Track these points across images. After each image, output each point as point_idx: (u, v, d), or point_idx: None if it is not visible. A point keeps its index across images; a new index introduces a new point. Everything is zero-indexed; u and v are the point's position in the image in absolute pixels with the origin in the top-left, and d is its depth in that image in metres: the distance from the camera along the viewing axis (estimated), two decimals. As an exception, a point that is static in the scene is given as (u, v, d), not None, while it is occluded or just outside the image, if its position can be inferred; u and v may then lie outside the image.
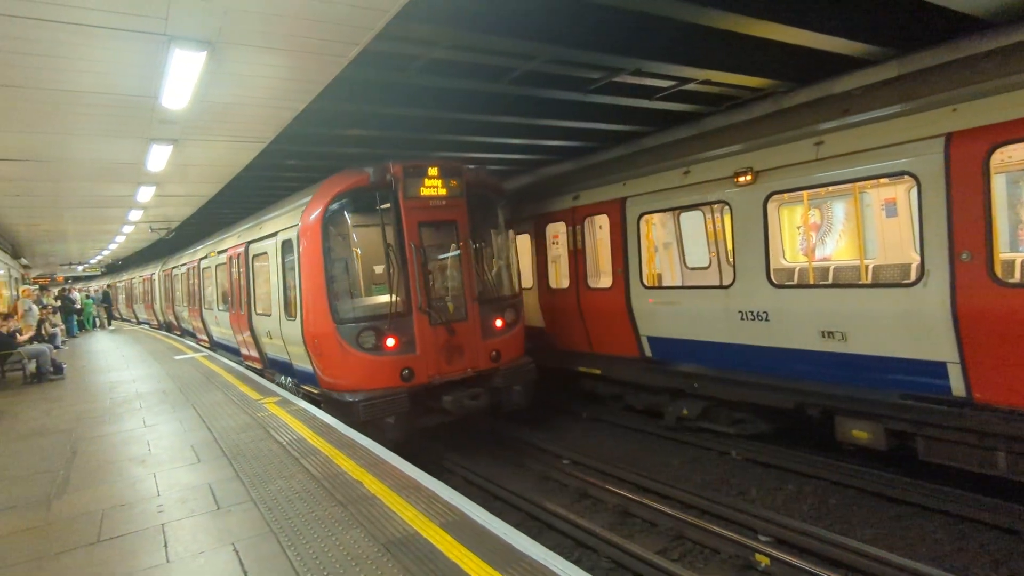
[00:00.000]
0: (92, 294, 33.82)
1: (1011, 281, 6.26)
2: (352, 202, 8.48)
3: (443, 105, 8.73)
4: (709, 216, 10.27)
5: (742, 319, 7.65)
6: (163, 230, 18.18)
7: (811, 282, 8.54)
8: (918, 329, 6.01)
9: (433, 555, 3.88)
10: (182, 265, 19.76)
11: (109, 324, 30.47)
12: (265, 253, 10.61)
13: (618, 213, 9.40)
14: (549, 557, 3.78)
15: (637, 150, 10.84)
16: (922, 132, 5.89)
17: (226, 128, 7.73)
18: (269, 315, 10.40)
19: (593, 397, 11.04)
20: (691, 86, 8.54)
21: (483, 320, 8.91)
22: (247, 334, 12.10)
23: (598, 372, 10.32)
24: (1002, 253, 5.69)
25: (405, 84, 7.88)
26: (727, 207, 7.99)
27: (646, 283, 9.14)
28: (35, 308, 18.37)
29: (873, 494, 6.90)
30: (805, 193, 8.24)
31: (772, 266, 7.46)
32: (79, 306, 26.36)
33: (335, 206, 8.39)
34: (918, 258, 6.15)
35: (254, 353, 12.17)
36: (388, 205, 8.40)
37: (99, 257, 29.79)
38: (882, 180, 7.75)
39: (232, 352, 14.37)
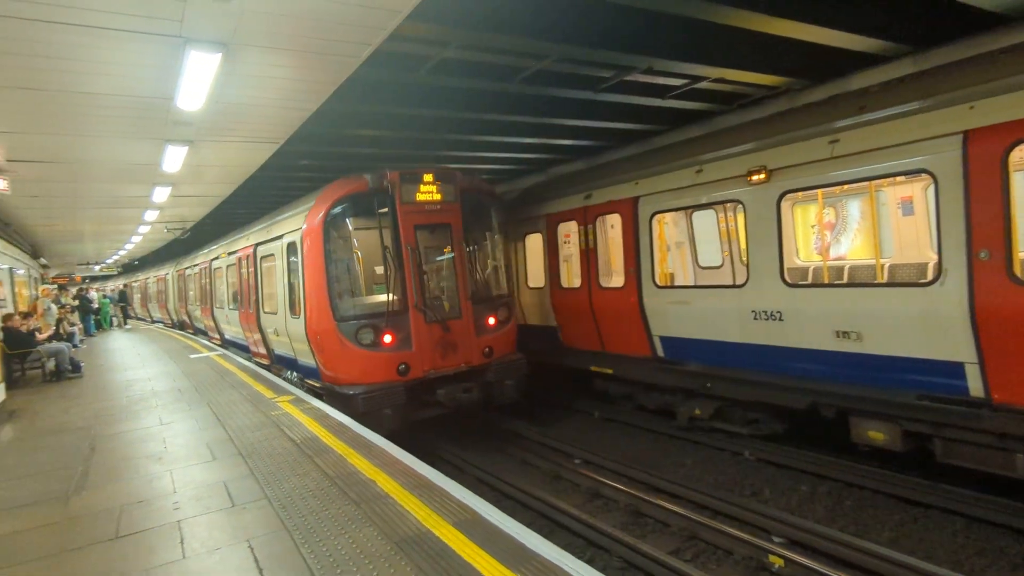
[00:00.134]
0: (109, 293, 34.22)
1: (1031, 280, 6.15)
2: (352, 207, 8.96)
3: (454, 105, 8.76)
4: (722, 215, 10.20)
5: (755, 319, 7.59)
6: (178, 230, 18.40)
7: (826, 281, 8.46)
8: (935, 329, 5.93)
9: (445, 553, 3.90)
10: (194, 266, 20.28)
11: (125, 323, 30.85)
12: (272, 255, 11.09)
13: (630, 212, 9.36)
14: (561, 556, 3.78)
15: (649, 149, 10.80)
16: (939, 129, 5.81)
17: (240, 129, 7.80)
18: (275, 313, 10.90)
19: (605, 397, 11.01)
20: (704, 84, 8.49)
21: (476, 318, 9.38)
22: (255, 331, 12.63)
23: (610, 371, 10.30)
24: (1021, 252, 5.59)
25: (416, 84, 7.91)
26: (740, 206, 7.94)
27: (658, 282, 9.11)
28: (54, 307, 18.66)
29: (889, 496, 6.83)
30: (820, 191, 8.16)
31: (786, 265, 7.40)
32: (96, 305, 26.71)
33: (335, 210, 8.85)
34: (935, 257, 6.08)
35: (262, 350, 12.70)
36: (386, 209, 8.86)
37: (115, 257, 30.20)
38: (898, 178, 7.66)
39: (242, 349, 14.92)
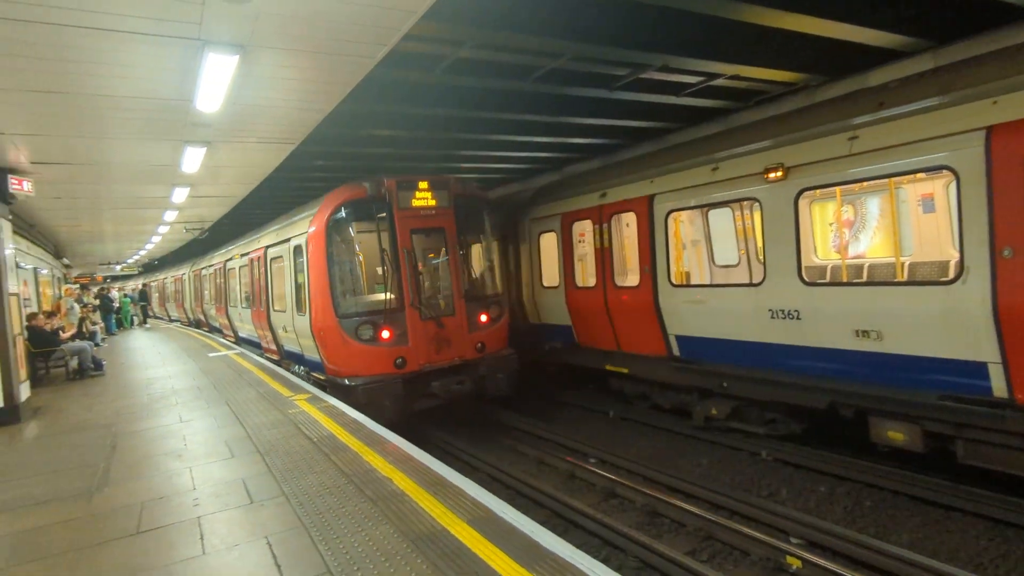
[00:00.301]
0: (129, 293, 34.74)
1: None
2: (352, 212, 9.58)
3: (469, 104, 8.78)
4: (738, 213, 10.10)
5: (772, 317, 7.51)
6: (197, 230, 18.64)
7: (844, 280, 8.35)
8: (957, 328, 5.83)
9: (460, 551, 3.91)
10: (210, 266, 20.89)
11: (145, 322, 31.33)
12: (280, 256, 11.81)
13: (645, 210, 9.31)
14: (576, 555, 3.77)
15: (664, 147, 10.73)
16: (961, 125, 5.71)
17: (256, 130, 7.88)
18: (284, 311, 11.60)
19: (620, 396, 10.97)
20: (719, 81, 8.42)
21: (469, 315, 9.94)
22: (266, 329, 13.37)
23: (626, 371, 10.26)
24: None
25: (431, 84, 7.95)
26: (757, 204, 7.86)
27: (674, 281, 9.05)
28: (76, 307, 18.99)
29: (910, 497, 6.73)
30: (838, 189, 8.05)
31: (804, 264, 7.31)
32: (117, 305, 27.15)
33: (337, 216, 9.49)
34: (957, 255, 5.97)
35: (273, 346, 13.40)
36: (384, 214, 9.46)
37: (136, 257, 30.63)
38: (919, 175, 7.52)
39: (254, 345, 15.68)
